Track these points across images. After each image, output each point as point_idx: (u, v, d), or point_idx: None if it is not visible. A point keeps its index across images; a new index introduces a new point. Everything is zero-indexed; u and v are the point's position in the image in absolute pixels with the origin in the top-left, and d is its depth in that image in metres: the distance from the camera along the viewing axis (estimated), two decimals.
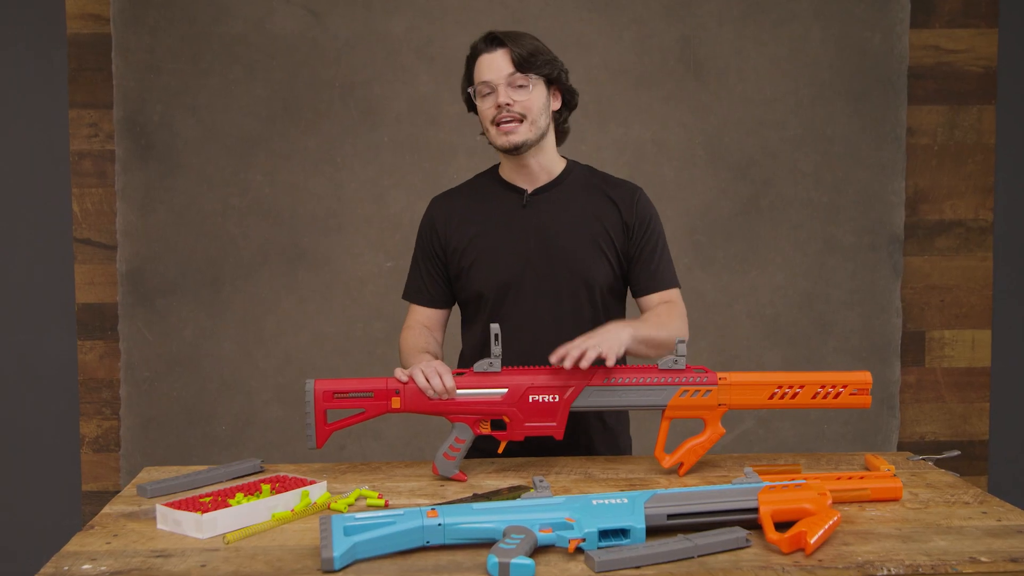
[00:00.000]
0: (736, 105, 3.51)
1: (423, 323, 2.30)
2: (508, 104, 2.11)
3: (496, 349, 1.96)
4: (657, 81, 3.49)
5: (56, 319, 3.48)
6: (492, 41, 2.14)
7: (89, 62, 3.41)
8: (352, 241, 3.46)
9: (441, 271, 2.27)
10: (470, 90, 2.17)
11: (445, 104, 3.45)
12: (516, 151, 2.15)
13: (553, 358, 1.94)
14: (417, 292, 2.30)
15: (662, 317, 2.19)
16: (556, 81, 2.18)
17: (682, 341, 1.98)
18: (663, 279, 2.26)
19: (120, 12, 3.37)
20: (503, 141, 2.13)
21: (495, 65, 2.12)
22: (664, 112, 3.50)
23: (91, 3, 3.39)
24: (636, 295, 2.28)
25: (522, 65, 2.11)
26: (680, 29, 3.49)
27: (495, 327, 1.97)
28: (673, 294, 2.28)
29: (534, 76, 2.12)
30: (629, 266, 2.24)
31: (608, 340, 1.96)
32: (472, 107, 2.22)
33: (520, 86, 2.12)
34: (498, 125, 2.13)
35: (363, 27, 3.43)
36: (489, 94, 2.13)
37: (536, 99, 2.13)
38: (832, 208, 3.55)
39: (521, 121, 2.12)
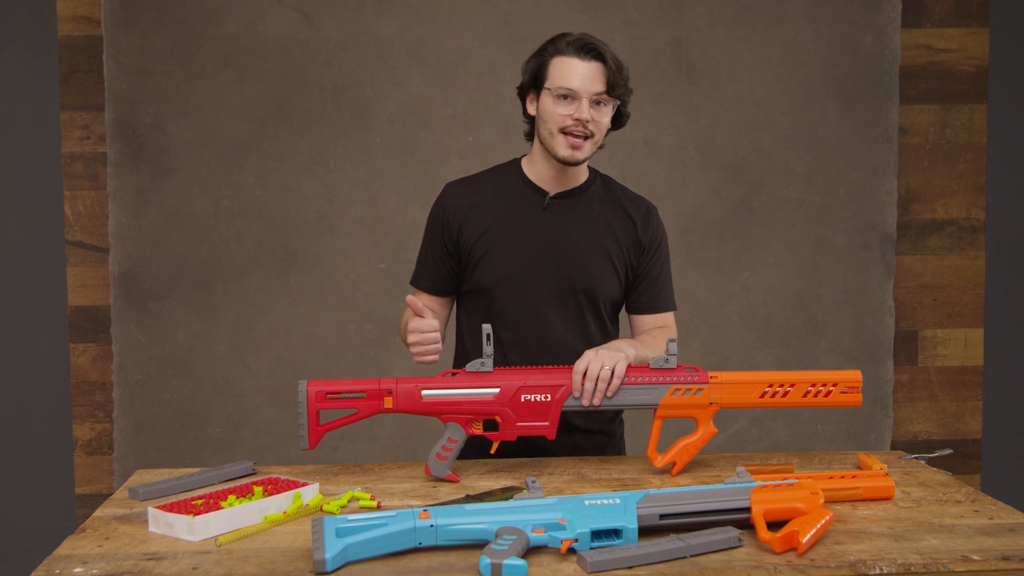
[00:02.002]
0: (728, 106, 3.52)
1: (426, 305, 2.29)
2: (588, 120, 2.09)
3: (488, 349, 1.96)
4: (649, 82, 3.49)
5: (48, 322, 3.47)
6: (590, 51, 2.10)
7: (80, 64, 3.40)
8: (344, 243, 3.46)
9: (448, 259, 2.25)
10: (549, 88, 2.11)
11: (437, 106, 3.45)
12: (574, 164, 2.15)
13: (575, 392, 1.96)
14: (422, 278, 2.30)
15: (657, 340, 2.21)
16: (621, 105, 2.18)
17: (672, 340, 1.98)
18: (663, 302, 2.28)
19: (111, 14, 3.36)
20: (567, 154, 2.12)
21: (588, 77, 2.09)
22: (656, 113, 3.50)
23: (82, 5, 3.38)
24: (631, 312, 2.29)
25: (612, 87, 2.10)
26: (672, 30, 3.49)
27: (487, 327, 1.97)
28: (668, 318, 2.30)
29: (614, 99, 2.12)
30: (633, 283, 2.25)
31: (615, 357, 1.97)
32: (526, 91, 2.20)
33: (598, 104, 2.11)
34: (566, 135, 2.11)
35: (354, 29, 3.42)
36: (568, 100, 2.10)
37: (607, 122, 2.14)
38: (824, 208, 3.56)
39: (589, 139, 2.12)
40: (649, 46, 3.49)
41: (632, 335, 2.29)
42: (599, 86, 2.09)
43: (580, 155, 2.12)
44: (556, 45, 2.13)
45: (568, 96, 2.10)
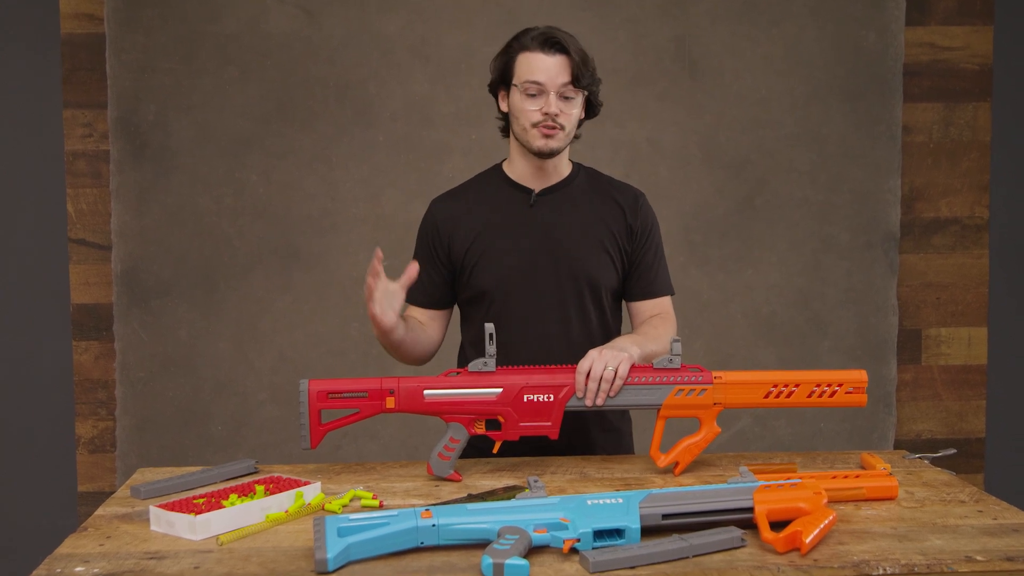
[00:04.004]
0: (731, 104, 3.51)
1: (418, 318, 2.29)
2: (556, 114, 2.10)
3: (491, 349, 1.96)
4: (652, 80, 3.49)
5: (51, 320, 3.47)
6: (553, 44, 2.10)
7: (83, 62, 3.40)
8: (346, 241, 3.46)
9: (441, 274, 2.25)
10: (516, 84, 2.13)
11: (440, 104, 3.45)
12: (550, 155, 2.15)
13: (579, 392, 1.95)
14: (416, 294, 2.27)
15: (659, 330, 2.20)
16: (592, 93, 2.18)
17: (676, 340, 1.98)
18: (659, 287, 2.28)
19: (114, 12, 3.36)
20: (542, 145, 2.13)
21: (552, 71, 2.09)
22: (659, 111, 3.49)
23: (85, 3, 3.38)
24: (629, 299, 2.29)
25: (578, 79, 2.10)
26: (675, 28, 3.48)
27: (490, 327, 1.96)
28: (666, 303, 2.29)
29: (582, 90, 2.13)
30: (628, 271, 2.25)
31: (619, 357, 1.96)
32: (496, 89, 2.21)
33: (568, 97, 2.12)
34: (537, 128, 2.12)
35: (357, 26, 3.42)
36: (536, 95, 2.11)
37: (577, 112, 2.15)
38: (828, 206, 3.55)
39: (561, 129, 2.13)
40: (652, 44, 3.48)
41: (632, 324, 2.29)
42: (565, 78, 2.10)
43: (554, 144, 2.13)
44: (521, 41, 2.15)
45: (536, 91, 2.11)
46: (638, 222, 2.24)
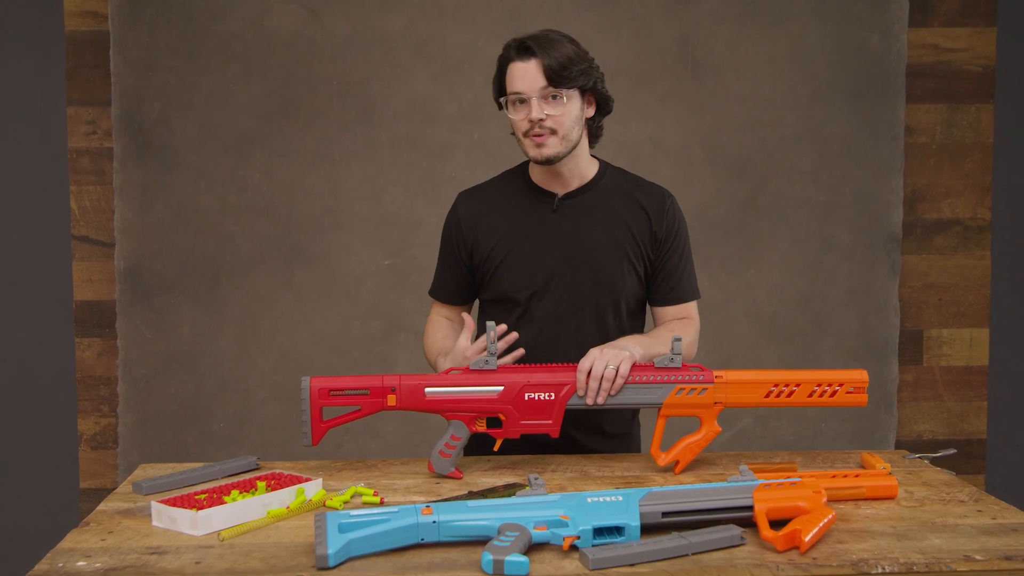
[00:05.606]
0: (734, 104, 3.51)
1: (446, 315, 2.32)
2: (541, 119, 2.07)
3: (492, 347, 1.96)
4: (655, 80, 3.49)
5: (54, 316, 3.48)
6: (524, 50, 2.08)
7: (87, 59, 3.41)
8: (349, 239, 3.46)
9: (464, 270, 2.25)
10: (502, 100, 2.13)
11: (443, 102, 3.45)
12: (548, 163, 2.12)
13: (579, 391, 1.95)
14: (440, 290, 2.30)
15: (673, 332, 2.17)
16: (591, 89, 2.14)
17: (678, 339, 1.97)
18: (683, 292, 2.26)
19: (118, 9, 3.37)
20: (535, 153, 2.10)
21: (528, 76, 2.07)
22: (662, 111, 3.50)
23: (89, 1, 3.39)
24: (653, 304, 2.28)
25: (555, 80, 2.06)
26: (678, 28, 3.49)
27: (491, 324, 1.97)
28: (690, 308, 2.27)
29: (568, 89, 2.08)
30: (652, 275, 2.24)
31: (620, 356, 1.96)
32: (503, 106, 2.20)
33: (553, 98, 2.08)
34: (529, 136, 2.10)
35: (361, 25, 3.42)
36: (522, 104, 2.09)
37: (569, 113, 2.09)
38: (830, 207, 3.55)
39: (553, 134, 2.09)
40: (655, 44, 3.49)
41: (655, 326, 2.28)
42: (540, 81, 2.06)
43: (547, 151, 2.09)
44: (505, 53, 2.13)
45: (520, 100, 2.09)
46: (663, 227, 2.21)
